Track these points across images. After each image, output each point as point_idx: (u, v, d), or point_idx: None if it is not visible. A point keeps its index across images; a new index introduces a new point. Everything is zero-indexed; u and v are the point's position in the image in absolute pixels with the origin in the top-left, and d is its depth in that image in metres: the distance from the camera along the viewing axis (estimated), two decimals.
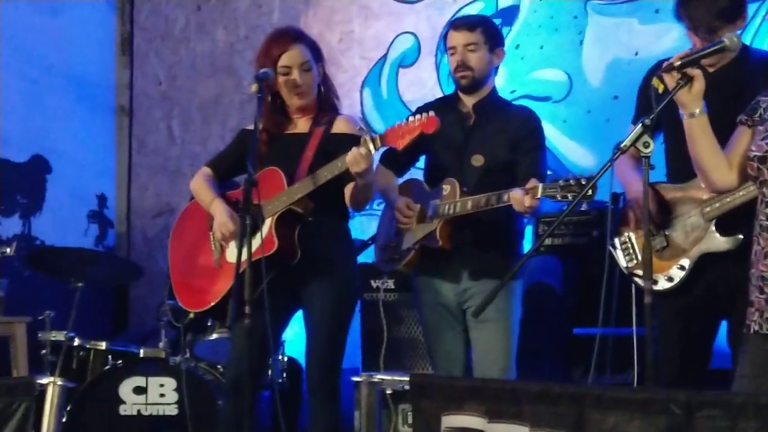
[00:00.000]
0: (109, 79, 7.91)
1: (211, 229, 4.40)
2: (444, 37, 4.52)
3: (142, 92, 7.93)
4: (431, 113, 3.98)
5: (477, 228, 4.27)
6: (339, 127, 4.34)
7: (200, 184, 4.47)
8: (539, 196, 3.87)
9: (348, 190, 4.21)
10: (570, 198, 3.76)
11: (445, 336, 4.38)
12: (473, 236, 4.29)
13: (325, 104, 4.42)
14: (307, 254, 4.18)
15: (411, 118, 4.03)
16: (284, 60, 4.28)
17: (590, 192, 3.55)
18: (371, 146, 4.00)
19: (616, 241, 4.03)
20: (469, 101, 4.44)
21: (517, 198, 3.95)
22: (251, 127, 4.47)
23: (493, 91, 4.48)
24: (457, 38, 4.37)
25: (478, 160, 4.33)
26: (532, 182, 3.93)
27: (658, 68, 3.89)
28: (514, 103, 4.87)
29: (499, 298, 3.88)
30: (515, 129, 4.35)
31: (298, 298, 4.30)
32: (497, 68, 4.48)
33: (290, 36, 4.37)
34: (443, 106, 4.41)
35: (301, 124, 4.40)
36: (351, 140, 4.11)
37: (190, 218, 4.58)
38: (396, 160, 4.54)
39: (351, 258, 4.50)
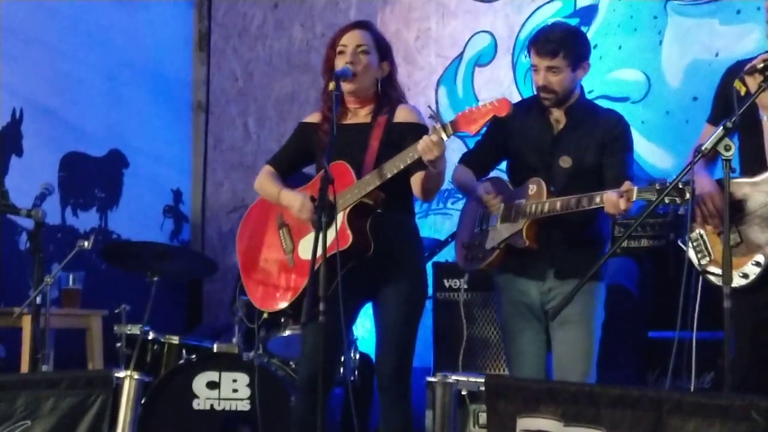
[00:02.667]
0: (187, 75, 8.00)
1: (280, 227, 4.38)
2: (528, 49, 4.42)
3: (219, 89, 7.99)
4: (503, 97, 3.93)
5: (565, 228, 4.22)
6: (401, 116, 4.27)
7: (265, 181, 4.45)
8: (634, 198, 3.84)
9: (416, 179, 4.15)
10: (667, 201, 3.69)
11: (524, 335, 4.33)
12: (561, 236, 4.24)
13: (384, 99, 4.35)
14: (378, 247, 4.13)
15: (482, 102, 3.98)
16: (342, 40, 4.27)
17: (687, 195, 3.52)
18: (443, 134, 3.93)
19: (688, 239, 3.96)
20: (557, 109, 4.37)
21: (612, 200, 3.90)
22: (309, 119, 4.46)
23: (581, 96, 4.40)
24: (539, 60, 4.28)
25: (566, 162, 4.27)
26: (626, 185, 3.88)
27: (735, 68, 3.85)
28: (600, 105, 4.80)
29: (583, 301, 3.86)
30: (604, 132, 4.29)
31: (368, 293, 4.26)
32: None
33: (356, 23, 4.40)
34: (533, 106, 4.39)
35: (361, 115, 4.35)
36: (414, 129, 4.09)
37: (256, 219, 4.54)
38: (477, 160, 4.50)
39: (421, 253, 4.45)
